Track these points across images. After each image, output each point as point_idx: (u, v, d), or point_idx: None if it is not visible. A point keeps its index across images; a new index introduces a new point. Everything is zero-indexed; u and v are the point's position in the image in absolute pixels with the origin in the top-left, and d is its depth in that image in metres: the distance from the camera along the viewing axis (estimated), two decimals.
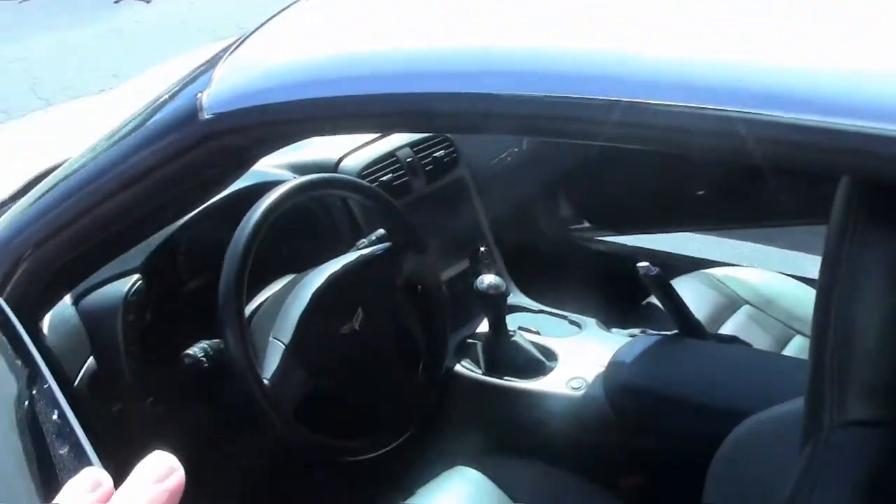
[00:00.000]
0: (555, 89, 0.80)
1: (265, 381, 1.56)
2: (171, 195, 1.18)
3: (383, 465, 1.81)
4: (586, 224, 2.79)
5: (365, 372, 1.71)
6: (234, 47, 1.14)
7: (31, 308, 1.37)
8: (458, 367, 1.98)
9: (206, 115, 1.06)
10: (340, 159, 2.01)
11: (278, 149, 1.17)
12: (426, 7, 1.03)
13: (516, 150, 2.39)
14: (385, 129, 1.03)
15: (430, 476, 1.72)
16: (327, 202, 2.00)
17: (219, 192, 1.29)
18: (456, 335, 2.05)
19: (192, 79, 1.15)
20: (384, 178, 2.01)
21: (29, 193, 1.33)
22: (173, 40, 7.15)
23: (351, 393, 1.70)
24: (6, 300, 1.31)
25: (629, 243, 2.73)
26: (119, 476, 1.48)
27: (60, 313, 1.64)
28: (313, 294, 1.66)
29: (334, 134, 1.06)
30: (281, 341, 1.61)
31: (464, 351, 2.02)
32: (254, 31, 1.16)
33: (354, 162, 2.02)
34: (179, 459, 1.50)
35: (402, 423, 1.76)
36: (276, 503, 2.06)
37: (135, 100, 1.30)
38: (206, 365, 1.58)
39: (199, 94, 1.08)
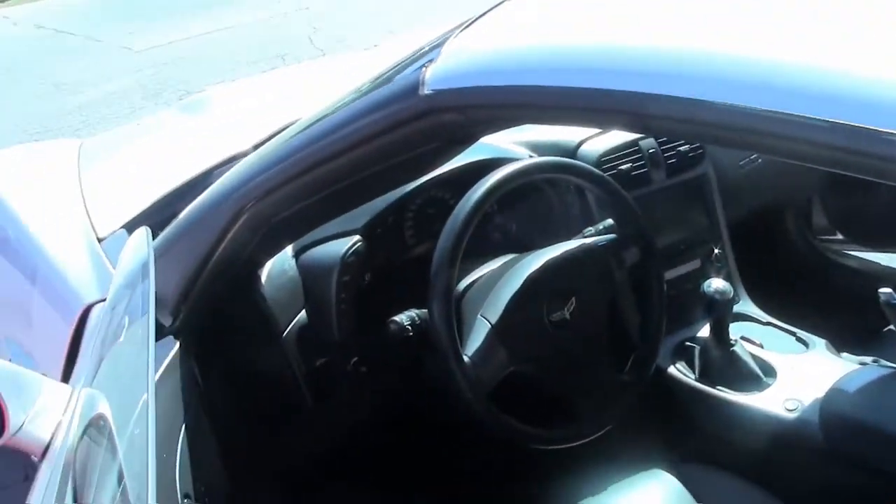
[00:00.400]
0: (776, 104, 0.75)
1: (466, 359, 1.56)
2: (389, 165, 1.19)
3: (574, 454, 1.78)
4: (839, 236, 2.63)
5: (570, 362, 1.68)
6: (464, 26, 1.13)
7: (249, 256, 1.42)
8: (671, 369, 1.93)
9: (426, 91, 1.06)
10: (580, 143, 1.99)
11: (497, 131, 1.16)
12: (653, 6, 0.98)
13: None
14: (597, 125, 1.00)
15: (622, 473, 1.69)
16: (561, 186, 1.98)
17: (437, 167, 1.30)
18: (675, 336, 1.99)
19: (423, 52, 1.15)
20: (623, 167, 1.98)
21: (260, 148, 1.37)
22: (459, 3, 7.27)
23: (551, 381, 1.68)
24: (226, 247, 1.37)
25: (884, 262, 2.57)
26: (310, 428, 1.52)
27: (280, 265, 1.70)
28: (528, 277, 1.64)
29: (550, 123, 1.04)
30: (488, 320, 1.60)
31: (680, 353, 1.96)
32: (486, 12, 1.15)
33: (594, 147, 1.98)
34: (372, 422, 1.54)
35: (602, 419, 1.72)
36: (458, 481, 2.07)
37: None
38: (410, 334, 1.59)
39: (424, 69, 1.08)
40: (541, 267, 1.66)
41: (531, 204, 1.98)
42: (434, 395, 1.77)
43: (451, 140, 1.14)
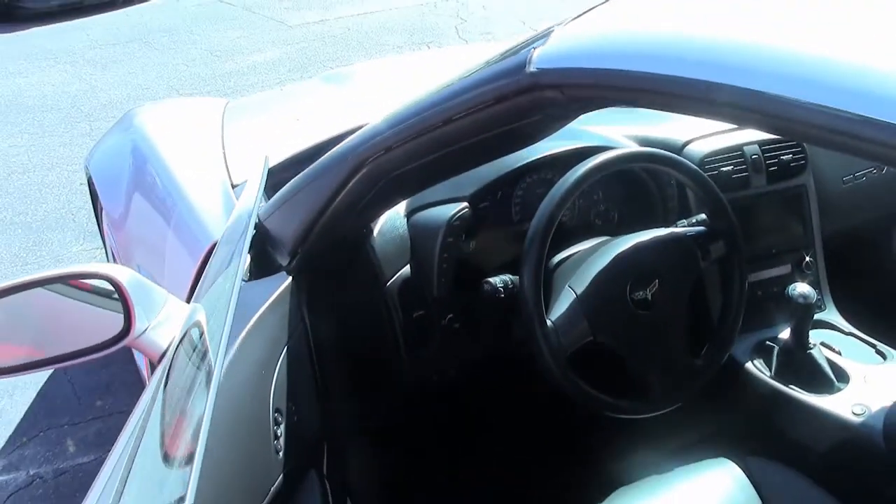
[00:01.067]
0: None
1: (549, 323, 1.68)
2: (494, 134, 1.32)
3: (645, 434, 1.88)
4: None
5: (646, 340, 1.78)
6: (576, 16, 1.25)
7: (365, 208, 1.56)
8: (748, 365, 2.01)
9: (531, 68, 1.18)
10: (686, 143, 2.10)
11: (591, 110, 1.26)
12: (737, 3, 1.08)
13: (874, 171, 2.34)
14: (676, 110, 1.10)
15: (690, 457, 1.77)
16: (662, 180, 2.09)
17: (536, 142, 1.41)
18: (756, 334, 2.08)
19: (536, 37, 1.27)
20: (724, 169, 2.08)
21: (386, 114, 1.51)
22: None
23: (627, 356, 1.78)
24: (344, 196, 1.51)
25: None
26: (401, 375, 1.67)
27: (392, 222, 1.85)
28: (616, 256, 1.76)
29: (638, 107, 1.14)
30: (574, 291, 1.72)
31: (759, 351, 2.05)
32: (597, 6, 1.26)
33: (699, 147, 2.09)
34: (457, 374, 1.68)
35: (671, 398, 1.81)
36: (527, 445, 2.19)
37: None
38: (501, 296, 1.73)
39: (533, 50, 1.21)
40: (629, 248, 1.78)
41: (633, 194, 2.10)
42: (518, 361, 1.90)
43: (550, 116, 1.26)
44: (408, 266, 1.87)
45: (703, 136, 2.12)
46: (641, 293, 1.75)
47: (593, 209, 2.08)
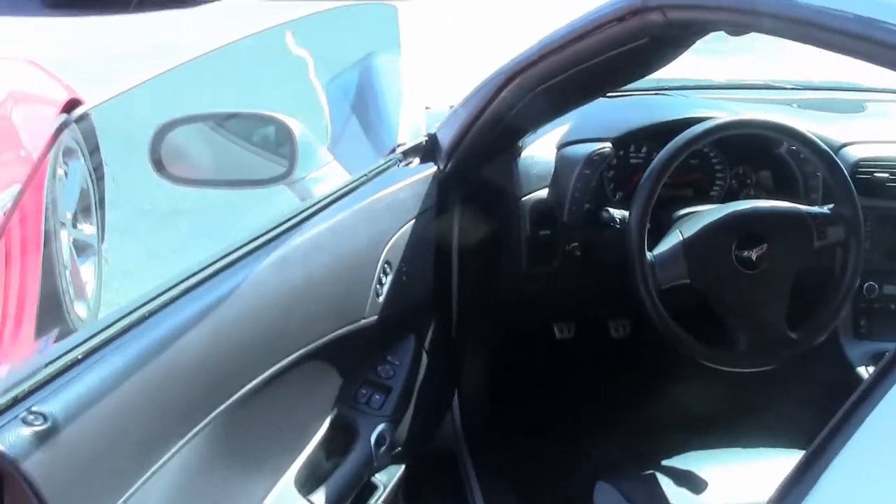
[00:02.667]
0: None
1: (649, 256, 1.83)
2: (613, 56, 1.46)
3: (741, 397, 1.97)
4: None
5: (742, 296, 1.87)
6: None
7: (512, 120, 1.75)
8: (860, 369, 2.09)
9: None
10: (845, 144, 2.14)
11: (692, 37, 1.39)
12: None
13: None
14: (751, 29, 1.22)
15: (772, 439, 1.83)
16: (807, 169, 2.11)
17: (650, 71, 1.54)
18: (881, 344, 2.13)
19: None
20: (879, 175, 2.11)
21: None
22: None
23: (723, 308, 1.87)
24: (496, 106, 1.70)
25: None
26: (517, 288, 1.89)
27: (542, 149, 2.03)
28: (731, 212, 1.87)
29: (725, 29, 1.26)
30: (682, 234, 1.86)
31: (877, 359, 2.03)
32: None
33: (857, 151, 2.14)
34: (564, 300, 1.87)
35: (757, 360, 1.89)
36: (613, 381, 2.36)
37: None
38: (616, 226, 1.88)
39: None
40: (745, 208, 1.89)
41: (779, 179, 2.15)
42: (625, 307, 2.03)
43: (656, 40, 1.38)
44: (546, 190, 2.04)
45: (865, 142, 2.16)
46: (747, 252, 1.83)
47: (743, 191, 2.16)
